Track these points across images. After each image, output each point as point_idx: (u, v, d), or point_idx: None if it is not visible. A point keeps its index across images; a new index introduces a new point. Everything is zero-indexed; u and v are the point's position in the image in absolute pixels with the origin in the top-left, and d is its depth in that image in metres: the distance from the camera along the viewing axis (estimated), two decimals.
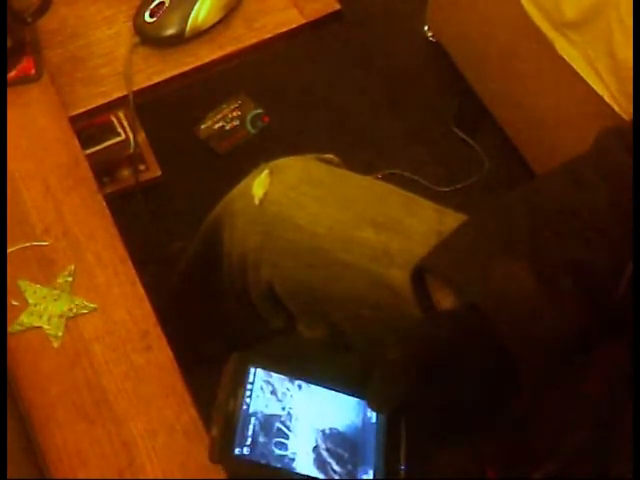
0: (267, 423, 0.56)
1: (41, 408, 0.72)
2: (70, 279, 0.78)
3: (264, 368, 0.58)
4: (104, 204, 0.84)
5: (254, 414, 0.56)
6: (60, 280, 0.78)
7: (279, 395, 0.58)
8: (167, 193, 1.56)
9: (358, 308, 0.82)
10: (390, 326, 0.80)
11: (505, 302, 0.57)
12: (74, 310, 0.77)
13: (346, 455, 0.57)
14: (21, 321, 0.76)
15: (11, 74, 0.92)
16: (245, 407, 0.56)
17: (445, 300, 0.62)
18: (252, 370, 0.58)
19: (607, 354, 0.64)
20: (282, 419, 0.57)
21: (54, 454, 0.69)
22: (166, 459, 0.69)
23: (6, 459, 0.63)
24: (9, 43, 0.90)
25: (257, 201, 0.84)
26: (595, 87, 1.25)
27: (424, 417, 0.59)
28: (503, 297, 0.57)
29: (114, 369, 0.74)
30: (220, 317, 1.04)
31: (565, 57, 1.29)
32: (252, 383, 0.58)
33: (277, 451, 0.55)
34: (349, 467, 0.56)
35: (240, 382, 0.57)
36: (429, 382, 0.57)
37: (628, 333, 0.58)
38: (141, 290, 0.78)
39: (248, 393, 0.57)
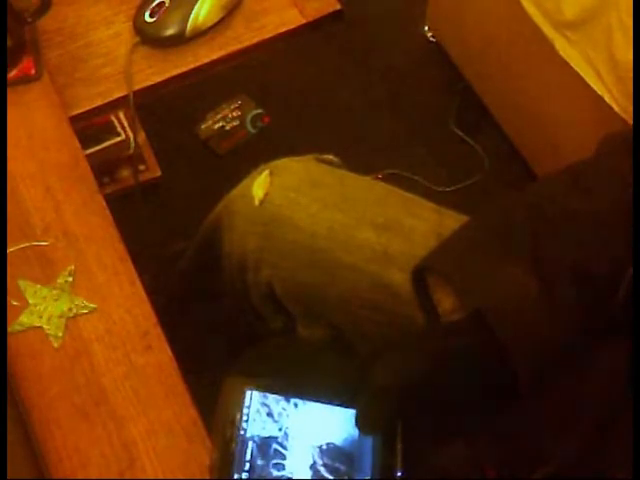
0: (264, 446, 0.57)
1: (41, 408, 0.72)
2: (70, 279, 0.78)
3: (260, 390, 0.59)
4: (104, 204, 0.84)
5: (251, 438, 0.57)
6: (60, 280, 0.78)
7: (275, 416, 0.58)
8: (167, 193, 1.56)
9: (358, 309, 0.82)
10: (389, 327, 0.80)
11: (505, 305, 0.57)
12: (74, 310, 0.77)
13: (343, 468, 0.57)
14: (21, 321, 0.76)
15: (11, 74, 0.92)
16: (242, 432, 0.57)
17: (446, 300, 0.62)
18: (248, 393, 0.58)
19: (607, 355, 0.64)
20: (279, 440, 0.57)
21: (54, 454, 0.69)
22: (166, 459, 0.69)
23: (6, 459, 0.63)
24: (9, 43, 0.90)
25: (257, 202, 0.84)
26: (595, 87, 1.25)
27: (422, 419, 0.59)
28: (504, 300, 0.57)
29: (114, 369, 0.74)
30: (220, 317, 1.04)
31: (565, 57, 1.29)
32: (248, 407, 0.58)
33: (275, 472, 0.56)
34: (346, 479, 0.57)
35: (236, 407, 0.58)
36: (422, 395, 0.57)
37: (628, 334, 0.58)
38: (141, 290, 0.78)
39: (245, 417, 0.58)
